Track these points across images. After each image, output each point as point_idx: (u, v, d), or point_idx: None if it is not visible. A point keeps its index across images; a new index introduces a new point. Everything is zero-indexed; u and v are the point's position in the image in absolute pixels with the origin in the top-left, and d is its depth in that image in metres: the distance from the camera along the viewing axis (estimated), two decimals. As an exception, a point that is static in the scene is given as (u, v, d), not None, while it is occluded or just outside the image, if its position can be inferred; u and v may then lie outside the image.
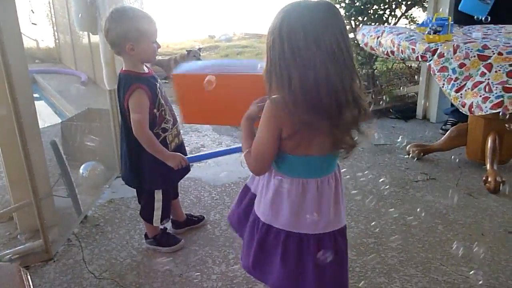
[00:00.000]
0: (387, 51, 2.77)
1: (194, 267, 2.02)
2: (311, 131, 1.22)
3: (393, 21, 4.21)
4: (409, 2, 4.11)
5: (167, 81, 5.71)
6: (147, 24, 1.82)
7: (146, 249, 2.16)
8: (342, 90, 1.16)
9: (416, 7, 4.26)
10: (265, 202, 1.37)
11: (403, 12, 4.25)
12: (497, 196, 2.61)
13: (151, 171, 1.95)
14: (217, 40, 9.05)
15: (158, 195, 2.03)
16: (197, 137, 3.60)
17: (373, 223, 2.34)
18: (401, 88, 4.43)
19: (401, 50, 2.62)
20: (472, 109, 2.36)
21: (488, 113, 2.34)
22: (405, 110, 4.01)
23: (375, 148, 3.32)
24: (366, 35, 3.06)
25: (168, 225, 2.28)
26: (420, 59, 2.53)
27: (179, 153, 1.95)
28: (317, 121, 1.18)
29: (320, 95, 1.14)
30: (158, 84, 1.92)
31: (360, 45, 3.22)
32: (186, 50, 6.02)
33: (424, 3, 4.12)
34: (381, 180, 2.83)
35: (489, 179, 2.66)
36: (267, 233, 1.37)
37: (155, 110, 1.87)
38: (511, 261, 2.03)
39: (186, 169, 2.07)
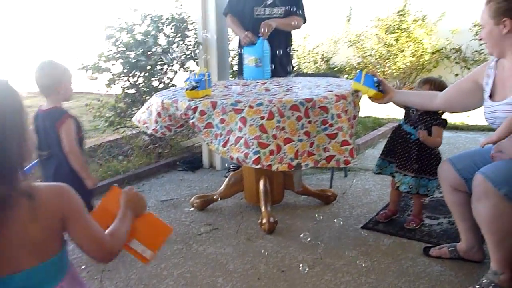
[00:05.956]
0: (155, 115, 2.73)
1: None
2: None
3: (172, 75, 4.32)
4: (182, 57, 4.25)
5: None
6: None
7: None
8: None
9: (192, 60, 4.43)
10: None
11: (180, 65, 4.37)
12: (273, 236, 2.78)
13: None
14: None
15: None
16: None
17: (153, 291, 2.25)
18: (188, 139, 4.54)
19: (166, 107, 2.64)
20: (240, 162, 2.49)
21: (253, 167, 2.49)
22: (193, 161, 4.09)
23: (162, 204, 3.27)
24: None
25: None
26: (183, 117, 2.59)
27: None
28: None
29: None
30: None
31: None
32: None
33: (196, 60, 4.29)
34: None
35: (264, 221, 2.82)
36: None
37: None
38: (282, 302, 2.15)
39: None
